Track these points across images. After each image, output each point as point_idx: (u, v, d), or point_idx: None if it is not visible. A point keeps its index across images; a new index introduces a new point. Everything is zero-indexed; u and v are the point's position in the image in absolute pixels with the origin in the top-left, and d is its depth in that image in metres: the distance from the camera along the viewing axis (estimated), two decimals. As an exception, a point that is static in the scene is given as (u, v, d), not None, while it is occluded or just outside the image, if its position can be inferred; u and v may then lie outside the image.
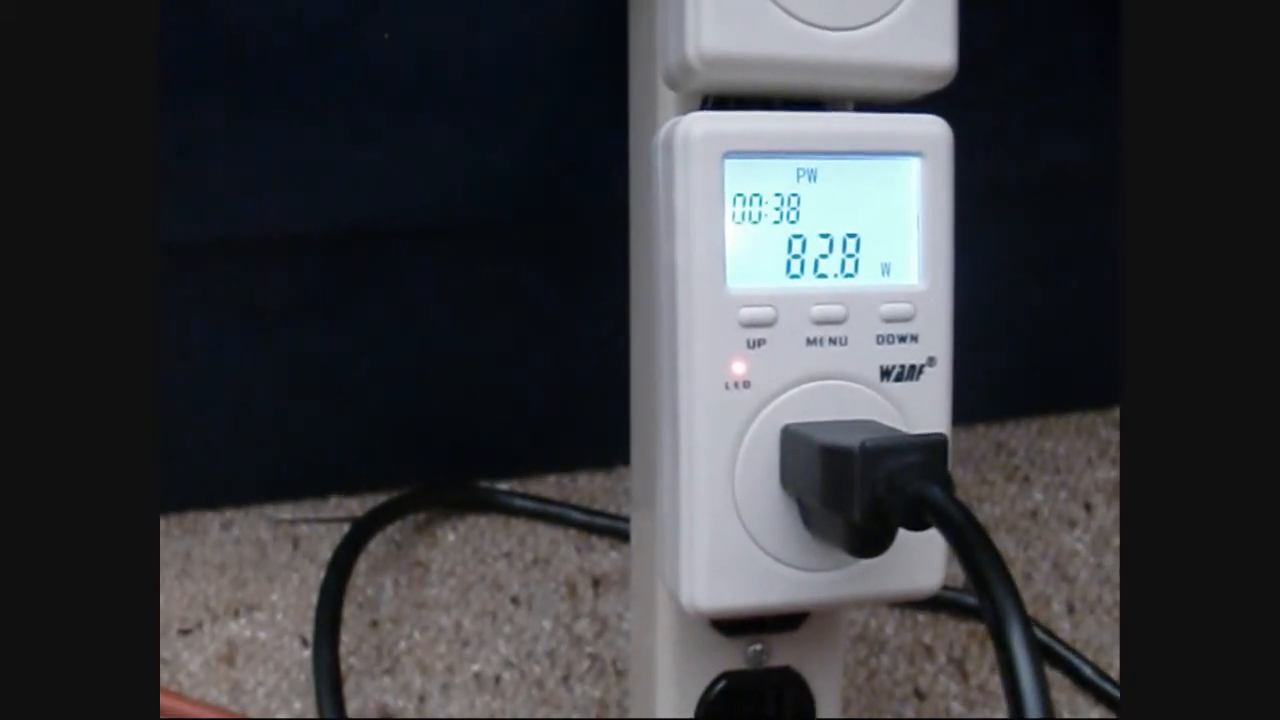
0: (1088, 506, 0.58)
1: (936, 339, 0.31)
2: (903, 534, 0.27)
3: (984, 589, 0.23)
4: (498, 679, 0.49)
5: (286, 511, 0.56)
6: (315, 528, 0.55)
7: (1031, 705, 0.22)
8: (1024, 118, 0.48)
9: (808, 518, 0.30)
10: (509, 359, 0.54)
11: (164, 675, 0.48)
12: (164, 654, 0.49)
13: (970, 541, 0.24)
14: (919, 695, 0.49)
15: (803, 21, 0.30)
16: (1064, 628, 0.52)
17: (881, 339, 0.31)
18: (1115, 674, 0.50)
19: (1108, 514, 0.57)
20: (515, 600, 0.52)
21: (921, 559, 0.32)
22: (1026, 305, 0.58)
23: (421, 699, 0.48)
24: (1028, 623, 0.23)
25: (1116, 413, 0.63)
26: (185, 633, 0.50)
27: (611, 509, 0.56)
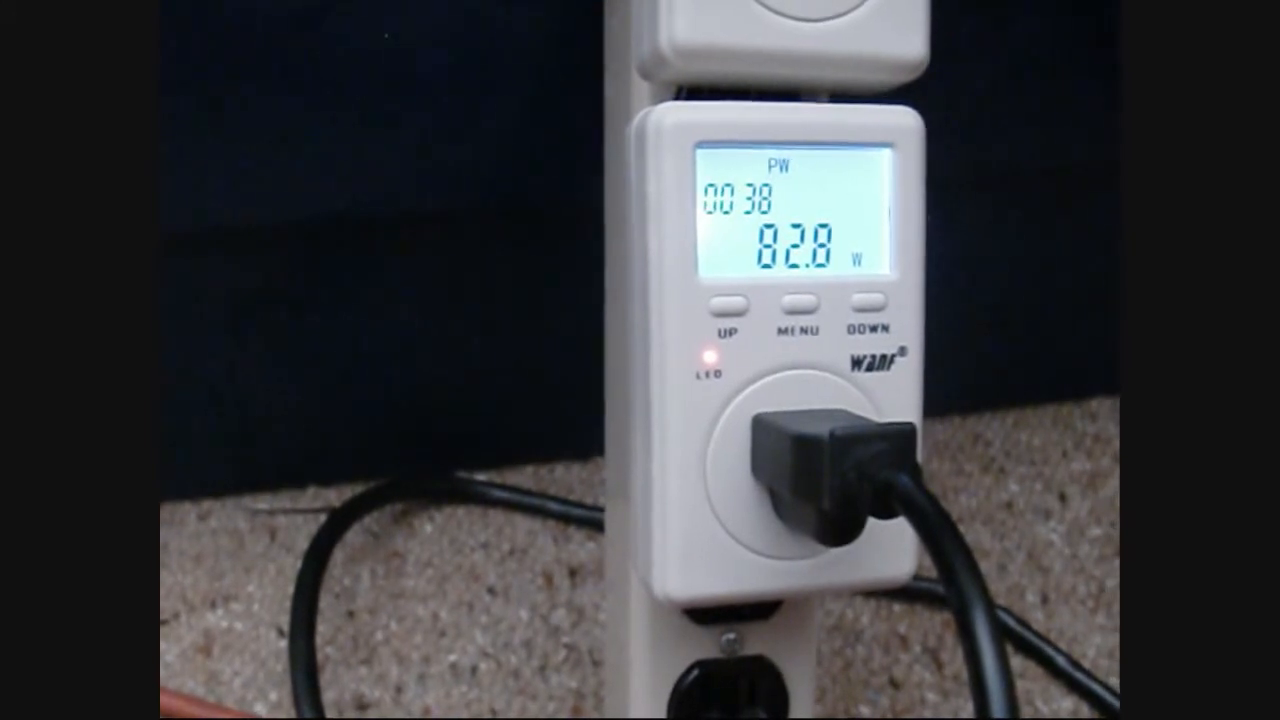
0: (1063, 498, 0.58)
1: (907, 329, 0.31)
2: (875, 523, 0.28)
3: (949, 577, 0.23)
4: (474, 669, 0.49)
5: (264, 502, 0.56)
6: (292, 518, 0.55)
7: (995, 693, 0.22)
8: (998, 109, 0.49)
9: (779, 506, 0.31)
10: (486, 349, 0.54)
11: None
12: (140, 644, 0.49)
13: (936, 530, 0.24)
14: (894, 685, 0.49)
15: (776, 12, 0.30)
16: (1038, 618, 0.52)
17: (853, 329, 0.31)
18: (1089, 664, 0.50)
19: (1082, 505, 0.58)
20: (492, 590, 0.52)
21: (893, 548, 0.32)
22: (1002, 297, 0.58)
23: (398, 689, 0.48)
24: (992, 610, 0.23)
25: (1092, 404, 0.63)
26: (162, 623, 0.50)
27: (588, 500, 0.56)
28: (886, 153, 0.31)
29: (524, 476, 0.58)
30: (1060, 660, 0.50)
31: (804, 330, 0.30)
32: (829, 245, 0.31)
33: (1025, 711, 0.49)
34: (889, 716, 0.48)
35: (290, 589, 0.50)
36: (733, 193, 0.30)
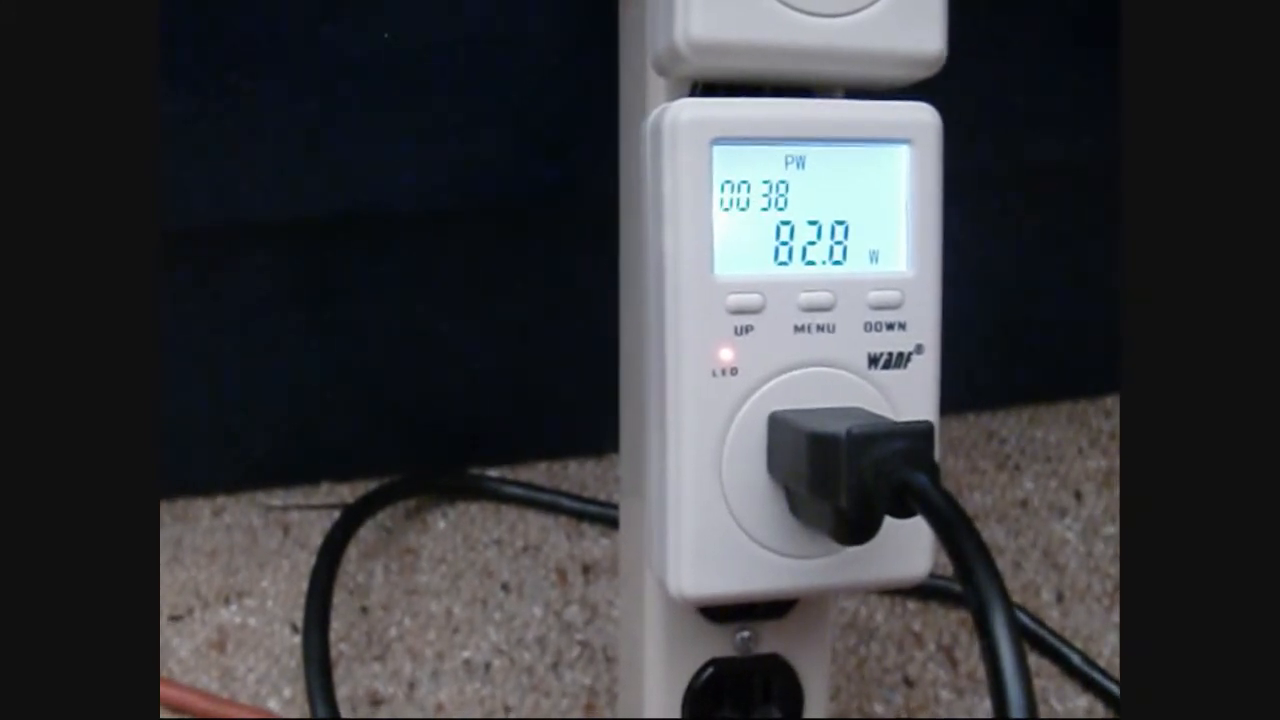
0: (1078, 495, 0.58)
1: (924, 326, 0.31)
2: (891, 521, 0.27)
3: (967, 576, 0.23)
4: (488, 666, 0.49)
5: (277, 498, 0.56)
6: (306, 514, 0.55)
7: (1014, 693, 0.22)
8: (1016, 106, 0.48)
9: (795, 505, 0.30)
10: (500, 346, 0.54)
11: (154, 661, 0.48)
12: (154, 640, 0.49)
13: (954, 528, 0.24)
14: (908, 683, 0.49)
15: (792, 8, 0.30)
16: (1053, 616, 0.52)
17: (869, 326, 0.31)
18: (1104, 662, 0.50)
19: (1098, 503, 0.57)
20: (505, 587, 0.52)
21: (909, 546, 0.32)
22: (1017, 294, 0.58)
23: (411, 685, 0.48)
24: (1011, 610, 0.23)
25: (1107, 402, 0.63)
26: (176, 619, 0.50)
27: (602, 496, 0.56)
28: (904, 149, 0.31)
29: (537, 473, 0.58)
30: (1075, 658, 0.50)
31: (820, 328, 0.30)
32: (846, 242, 0.31)
33: (1041, 710, 0.49)
34: (903, 715, 0.48)
35: (304, 585, 0.50)
36: (749, 189, 0.30)
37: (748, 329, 0.30)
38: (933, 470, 0.26)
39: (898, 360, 0.31)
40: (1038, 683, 0.49)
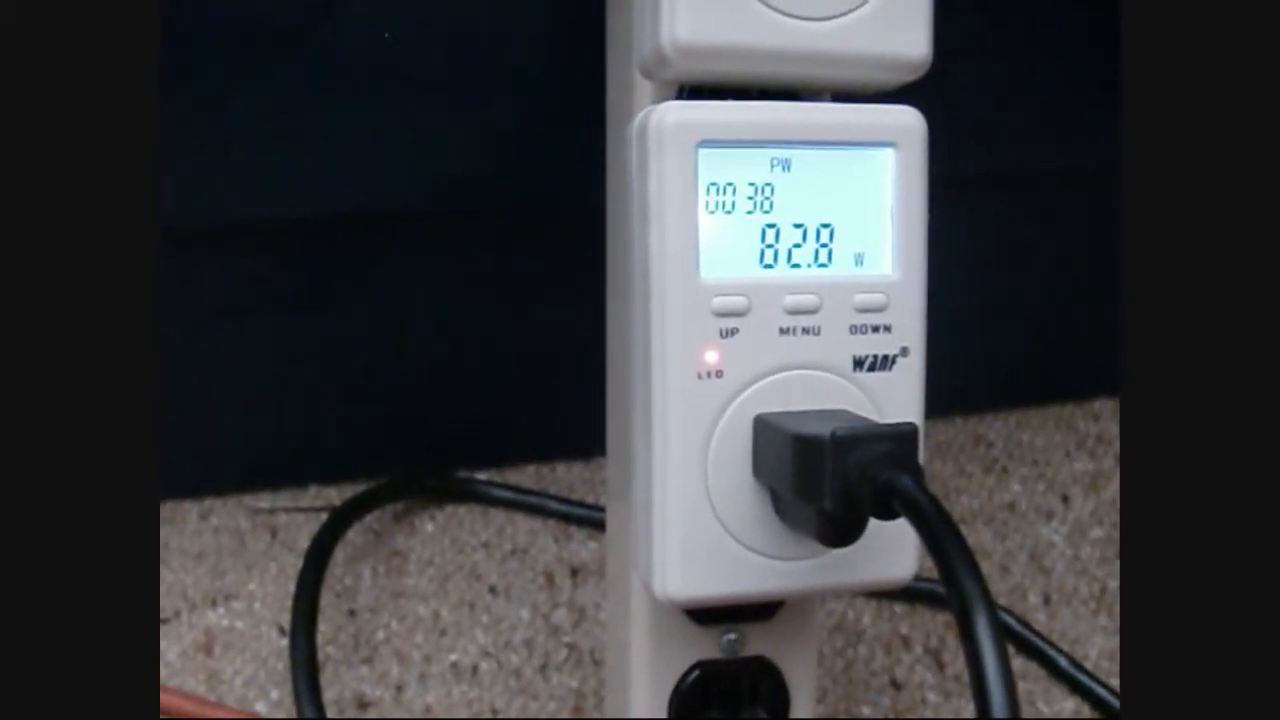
0: (1065, 498, 0.58)
1: (909, 329, 0.31)
2: (876, 523, 0.28)
3: (950, 578, 0.23)
4: (475, 668, 0.49)
5: (265, 501, 0.56)
6: (294, 517, 0.55)
7: (996, 694, 0.22)
8: (1001, 108, 0.48)
9: (780, 507, 0.30)
10: (488, 348, 0.54)
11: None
12: (140, 643, 0.49)
13: (938, 531, 0.24)
14: (895, 685, 0.49)
15: (778, 11, 0.30)
16: (1040, 619, 0.52)
17: (854, 329, 0.31)
18: (1090, 665, 0.50)
19: (1085, 506, 0.58)
20: (493, 590, 0.52)
21: (895, 548, 0.32)
22: (1004, 298, 0.58)
23: (399, 688, 0.48)
24: (993, 611, 0.23)
25: (1094, 405, 0.63)
26: (163, 622, 0.50)
27: (590, 499, 0.56)
28: (889, 152, 0.31)
29: (525, 476, 0.58)
30: (1062, 661, 0.50)
31: (806, 330, 0.30)
32: (831, 245, 0.31)
33: (1027, 712, 0.49)
34: (890, 717, 0.48)
35: (291, 588, 0.50)
36: (735, 192, 0.30)
37: (733, 331, 0.30)
38: (917, 472, 0.26)
39: (883, 363, 0.31)
40: (1025, 686, 0.50)
